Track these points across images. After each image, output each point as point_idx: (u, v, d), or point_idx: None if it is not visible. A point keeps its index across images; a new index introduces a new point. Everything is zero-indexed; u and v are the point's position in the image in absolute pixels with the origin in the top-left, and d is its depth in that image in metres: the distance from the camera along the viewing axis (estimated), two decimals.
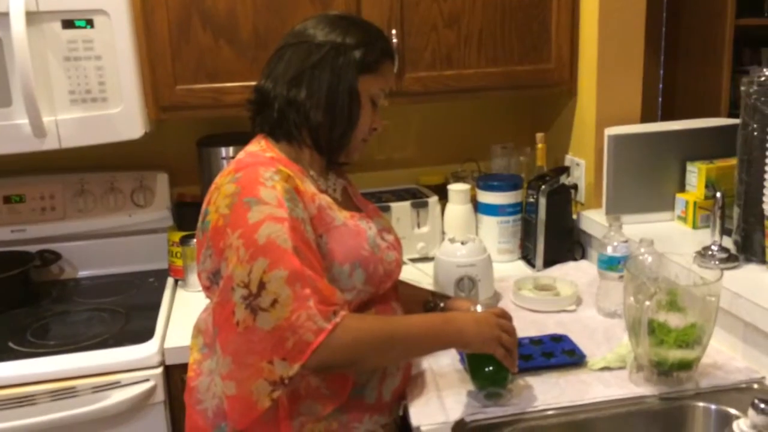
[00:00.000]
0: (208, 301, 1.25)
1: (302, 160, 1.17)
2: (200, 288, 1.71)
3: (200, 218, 1.12)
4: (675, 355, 1.16)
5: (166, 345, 1.50)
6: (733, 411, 1.12)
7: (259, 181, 1.05)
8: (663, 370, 1.18)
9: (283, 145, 1.17)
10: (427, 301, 1.37)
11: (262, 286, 1.00)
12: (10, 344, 1.51)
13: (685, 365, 1.17)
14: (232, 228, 1.03)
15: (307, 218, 1.08)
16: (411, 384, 1.22)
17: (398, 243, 1.28)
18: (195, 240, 1.70)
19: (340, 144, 1.18)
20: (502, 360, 1.12)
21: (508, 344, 1.13)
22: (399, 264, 1.25)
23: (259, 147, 1.16)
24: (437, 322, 1.14)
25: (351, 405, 1.11)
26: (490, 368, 1.13)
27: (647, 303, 1.13)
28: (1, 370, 1.41)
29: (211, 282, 1.10)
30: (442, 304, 1.36)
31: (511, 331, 1.15)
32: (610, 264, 1.48)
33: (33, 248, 1.84)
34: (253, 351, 1.01)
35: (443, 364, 1.28)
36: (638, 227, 1.63)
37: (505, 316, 1.18)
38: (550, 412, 1.13)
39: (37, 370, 1.42)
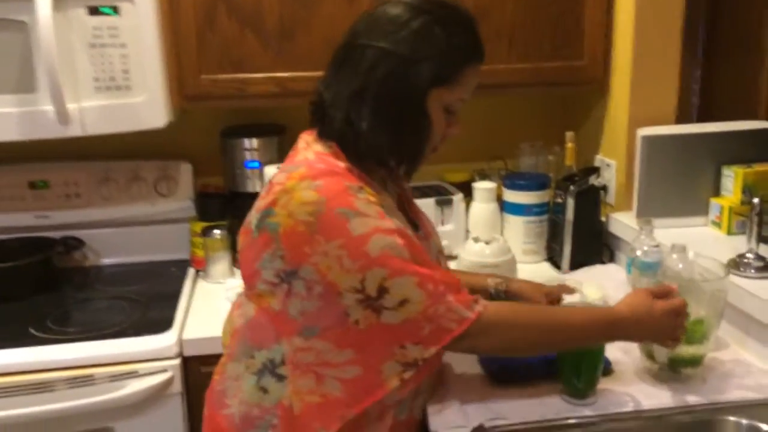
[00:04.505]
0: (231, 294, 1.21)
1: (366, 169, 1.08)
2: (220, 280, 1.74)
3: (257, 215, 1.03)
4: (688, 351, 1.16)
5: (185, 336, 1.49)
6: (764, 426, 1.08)
7: (349, 192, 0.98)
8: (673, 367, 1.18)
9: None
10: (486, 288, 1.32)
11: (384, 290, 0.96)
12: (31, 330, 1.51)
13: (695, 361, 1.18)
14: (325, 237, 0.96)
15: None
16: (434, 389, 1.19)
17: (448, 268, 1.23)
18: (218, 233, 1.74)
19: (410, 163, 1.11)
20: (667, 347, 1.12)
21: (677, 338, 1.11)
22: None
23: (329, 149, 1.06)
24: (601, 323, 1.09)
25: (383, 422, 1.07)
26: (577, 383, 1.12)
27: None
28: (22, 355, 1.41)
29: (282, 280, 1.01)
30: (505, 288, 1.32)
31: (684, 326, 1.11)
32: (640, 269, 1.43)
33: (56, 234, 1.84)
34: (380, 341, 0.99)
35: (467, 369, 1.24)
36: (670, 231, 1.58)
37: (681, 314, 1.10)
38: (571, 421, 1.09)
39: (56, 357, 1.42)
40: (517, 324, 1.06)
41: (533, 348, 1.11)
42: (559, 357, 1.14)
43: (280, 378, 1.04)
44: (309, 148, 1.07)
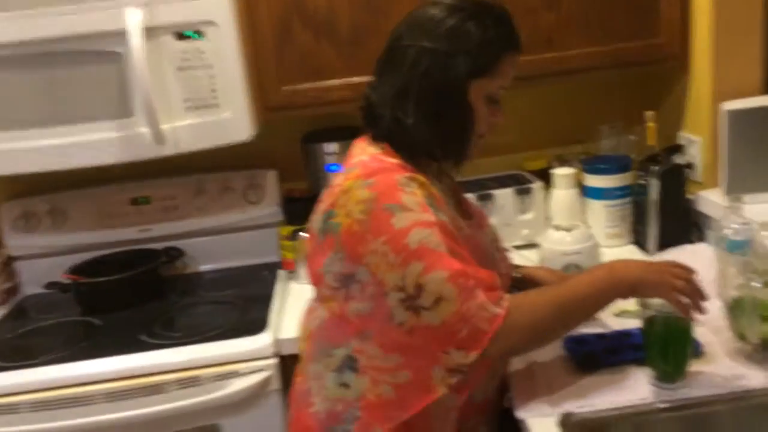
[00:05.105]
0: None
1: (419, 165, 1.12)
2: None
3: (320, 218, 1.09)
4: None
5: (281, 336, 1.57)
6: None
7: (398, 187, 1.03)
8: (766, 347, 1.14)
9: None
10: None
11: (420, 288, 0.99)
12: (142, 337, 1.62)
13: None
14: (374, 234, 1.01)
15: (448, 221, 1.06)
16: (518, 376, 1.21)
17: (506, 254, 1.26)
18: (307, 236, 1.81)
19: (457, 154, 1.14)
20: (677, 306, 1.07)
21: (684, 290, 1.07)
22: (509, 278, 1.22)
23: (381, 150, 1.11)
24: (601, 275, 1.10)
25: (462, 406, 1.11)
26: (666, 366, 1.11)
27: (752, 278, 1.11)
28: (135, 360, 1.53)
29: (341, 285, 1.07)
30: (521, 274, 1.33)
31: (685, 278, 1.08)
32: (729, 248, 1.38)
33: (158, 245, 1.97)
34: (425, 345, 1.02)
35: (551, 355, 1.25)
36: (762, 207, 1.52)
37: (679, 266, 1.11)
38: (662, 406, 1.08)
39: (166, 360, 1.52)
40: (542, 307, 1.05)
41: (566, 323, 1.10)
42: (646, 342, 1.13)
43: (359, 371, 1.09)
44: (364, 152, 1.13)
